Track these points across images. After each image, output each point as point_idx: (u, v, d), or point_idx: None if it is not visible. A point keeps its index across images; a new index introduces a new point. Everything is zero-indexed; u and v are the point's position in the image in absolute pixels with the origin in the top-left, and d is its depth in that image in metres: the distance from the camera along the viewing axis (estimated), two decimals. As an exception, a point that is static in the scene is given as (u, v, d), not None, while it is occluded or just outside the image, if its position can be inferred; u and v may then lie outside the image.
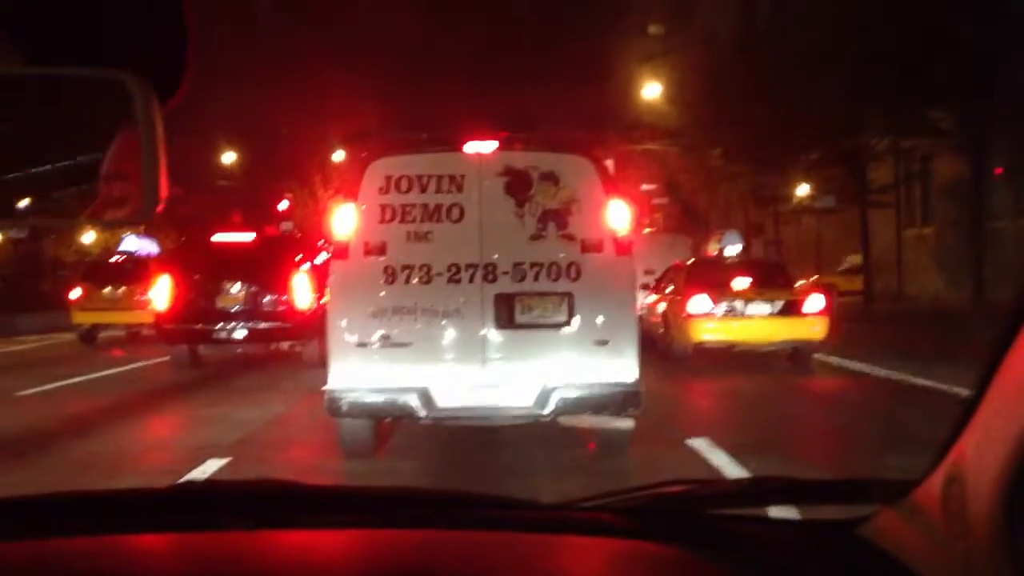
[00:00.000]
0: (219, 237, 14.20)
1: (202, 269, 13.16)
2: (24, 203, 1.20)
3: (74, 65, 1.10)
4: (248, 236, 14.29)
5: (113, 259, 21.84)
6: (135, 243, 23.00)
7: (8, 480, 6.30)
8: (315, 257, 13.57)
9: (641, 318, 8.22)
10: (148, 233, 24.69)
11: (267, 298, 13.06)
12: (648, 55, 35.10)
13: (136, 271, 19.52)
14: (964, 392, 1.18)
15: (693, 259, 16.42)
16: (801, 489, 1.59)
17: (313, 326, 12.05)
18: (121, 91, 1.10)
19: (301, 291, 13.04)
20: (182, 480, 5.82)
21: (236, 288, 13.07)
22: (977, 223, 20.95)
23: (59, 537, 1.34)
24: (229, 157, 46.66)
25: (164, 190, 1.12)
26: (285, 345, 13.36)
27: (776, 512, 1.72)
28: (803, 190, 27.75)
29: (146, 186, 1.10)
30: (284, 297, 13.02)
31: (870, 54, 19.24)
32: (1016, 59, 16.96)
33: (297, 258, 13.46)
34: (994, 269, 19.83)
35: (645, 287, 14.56)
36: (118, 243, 24.97)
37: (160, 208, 1.12)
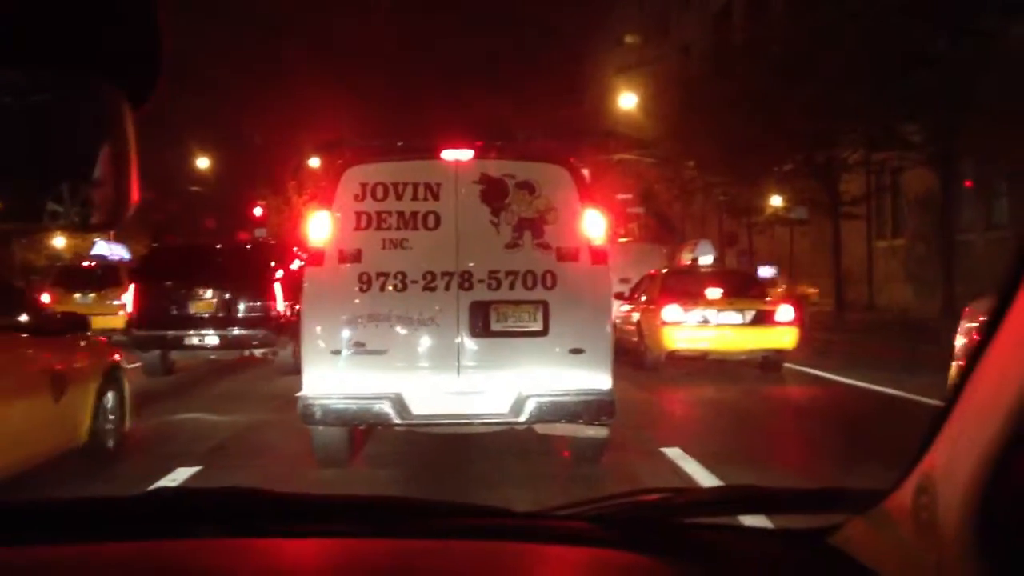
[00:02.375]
0: (192, 243, 14.19)
1: (174, 275, 13.06)
2: None
3: (41, 67, 1.09)
4: (221, 243, 14.27)
5: (84, 264, 21.64)
6: (106, 248, 22.78)
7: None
8: (289, 264, 13.52)
9: (615, 327, 8.25)
10: (119, 239, 24.48)
11: (240, 304, 12.99)
12: (624, 66, 35.32)
13: (107, 276, 19.36)
14: (933, 401, 1.20)
15: (667, 269, 16.54)
16: (773, 498, 1.60)
17: (287, 333, 12.00)
18: (91, 94, 1.09)
19: (275, 298, 12.97)
20: (151, 488, 5.75)
21: (209, 294, 12.98)
22: (947, 235, 21.23)
23: (27, 545, 1.32)
24: (203, 163, 46.35)
25: (135, 194, 1.11)
26: (259, 352, 13.28)
27: (748, 521, 1.73)
28: (776, 201, 27.98)
29: (117, 190, 1.09)
30: (258, 303, 12.96)
31: (843, 68, 19.47)
32: (985, 73, 17.24)
33: (271, 264, 13.41)
34: (964, 282, 20.09)
35: (620, 296, 14.63)
36: (89, 248, 24.73)
37: (130, 212, 1.12)
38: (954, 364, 5.98)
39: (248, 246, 14.86)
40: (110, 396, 7.14)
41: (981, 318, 6.24)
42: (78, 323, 7.15)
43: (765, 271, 21.88)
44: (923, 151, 20.96)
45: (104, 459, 6.96)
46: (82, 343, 7.22)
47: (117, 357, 7.53)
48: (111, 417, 7.15)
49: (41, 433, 6.11)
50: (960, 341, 5.99)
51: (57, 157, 1.11)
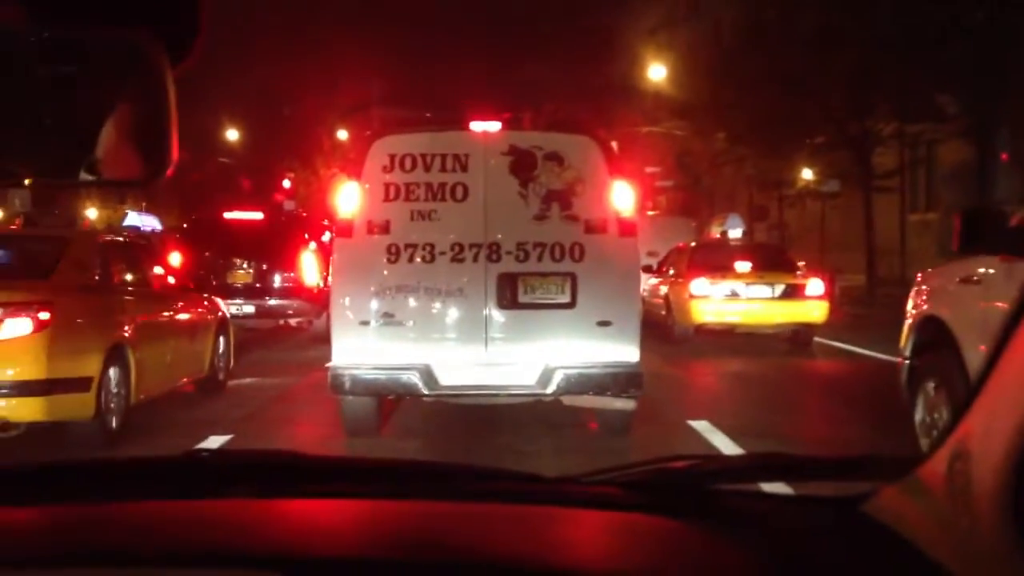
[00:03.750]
0: (229, 215, 14.47)
1: (211, 246, 13.26)
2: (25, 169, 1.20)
3: (81, 22, 1.09)
4: (257, 215, 14.55)
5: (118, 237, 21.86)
6: (138, 219, 23.02)
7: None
8: (321, 235, 13.71)
9: (643, 300, 8.24)
10: (149, 210, 24.69)
11: (276, 275, 13.28)
12: (656, 27, 34.86)
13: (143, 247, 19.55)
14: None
15: (695, 242, 16.43)
16: (804, 466, 1.60)
17: (321, 303, 12.18)
18: (132, 51, 1.09)
19: (309, 268, 13.21)
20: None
21: (245, 265, 13.23)
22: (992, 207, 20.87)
23: (70, 503, 1.35)
24: (232, 135, 46.54)
25: (174, 152, 1.12)
26: (293, 322, 13.50)
27: (778, 489, 1.73)
28: (807, 174, 27.65)
29: (157, 148, 1.10)
30: (292, 274, 13.22)
31: (879, 37, 19.13)
32: (1022, 44, 16.87)
33: (305, 236, 13.65)
34: (998, 256, 19.76)
35: (647, 269, 14.58)
36: (121, 220, 24.98)
37: (170, 172, 1.12)
38: (905, 324, 6.05)
39: (283, 218, 15.11)
40: (221, 341, 9.16)
41: (929, 283, 6.17)
42: (205, 284, 9.85)
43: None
44: (958, 123, 20.59)
45: (218, 387, 9.00)
46: (204, 301, 9.15)
47: (227, 312, 9.62)
48: (222, 356, 9.21)
49: (185, 365, 8.27)
50: (910, 304, 6.05)
51: (96, 113, 1.12)
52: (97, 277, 7.17)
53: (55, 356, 6.12)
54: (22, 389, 6.06)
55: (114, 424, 6.71)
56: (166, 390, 7.85)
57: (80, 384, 6.29)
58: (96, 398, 6.39)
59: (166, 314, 8.09)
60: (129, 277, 7.77)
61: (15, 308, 6.09)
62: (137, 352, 7.03)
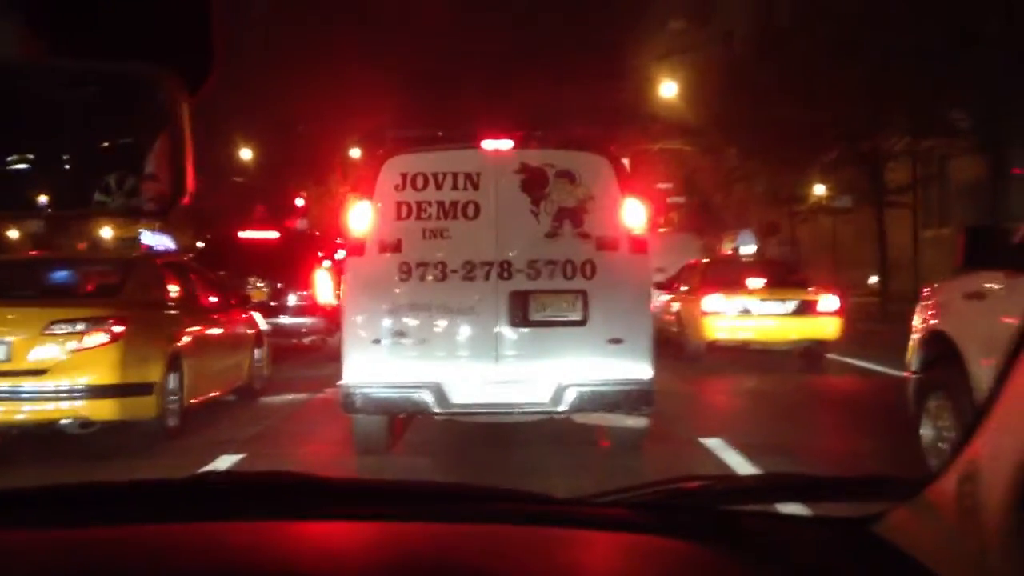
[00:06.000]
0: (244, 234, 14.62)
1: (227, 264, 13.36)
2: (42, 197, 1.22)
3: (100, 57, 1.11)
4: (272, 234, 14.70)
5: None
6: (152, 239, 23.14)
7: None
8: (335, 254, 13.82)
9: (655, 316, 8.24)
10: (163, 229, 24.82)
11: (291, 293, 13.37)
12: (667, 51, 34.98)
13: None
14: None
15: (707, 258, 16.41)
16: (816, 486, 1.60)
17: (335, 321, 12.26)
18: (148, 84, 1.11)
19: (323, 287, 13.30)
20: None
21: (260, 284, 13.33)
22: (996, 224, 20.76)
23: (81, 527, 1.36)
24: (246, 154, 46.79)
25: (190, 183, 1.13)
26: (307, 340, 13.57)
27: (789, 509, 1.72)
28: (820, 190, 27.60)
29: (172, 178, 1.12)
30: (306, 292, 13.33)
31: (892, 51, 19.11)
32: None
33: (319, 255, 13.78)
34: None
35: (657, 285, 14.57)
36: (133, 238, 25.10)
37: (187, 200, 1.14)
38: (912, 339, 6.04)
39: (297, 237, 15.27)
40: (257, 352, 10.04)
41: (935, 297, 6.15)
42: (245, 301, 10.36)
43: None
44: (971, 138, 20.53)
45: (254, 395, 9.75)
46: (244, 315, 10.00)
47: (263, 327, 10.44)
48: (259, 367, 10.08)
49: (228, 373, 9.13)
50: (917, 319, 6.04)
51: (113, 146, 1.14)
52: (157, 294, 8.06)
53: (126, 364, 7.02)
54: (99, 392, 6.91)
55: (171, 423, 7.53)
56: (212, 395, 8.67)
57: (145, 388, 7.18)
58: (157, 401, 7.25)
59: (213, 327, 8.88)
60: (182, 294, 8.51)
61: (94, 322, 6.95)
62: (190, 361, 7.92)
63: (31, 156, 1.16)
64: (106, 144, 1.19)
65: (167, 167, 1.12)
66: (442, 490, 1.67)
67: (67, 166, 1.17)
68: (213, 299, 9.21)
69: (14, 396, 6.82)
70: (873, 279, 27.63)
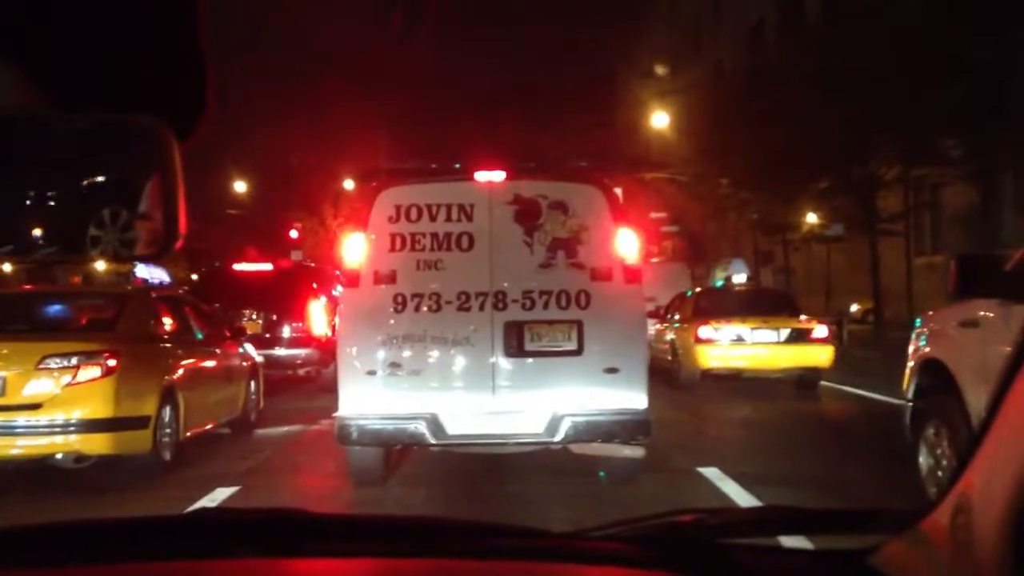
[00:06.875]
0: (238, 266, 14.62)
1: (222, 297, 13.33)
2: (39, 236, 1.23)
3: (94, 106, 1.13)
4: (265, 266, 14.70)
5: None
6: (146, 272, 23.09)
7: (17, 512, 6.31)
8: (330, 285, 13.80)
9: (649, 345, 8.25)
10: (158, 263, 24.78)
11: (285, 325, 13.35)
12: (656, 92, 35.27)
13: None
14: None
15: (699, 288, 16.44)
16: (811, 519, 1.60)
17: (330, 352, 12.24)
18: (140, 130, 1.12)
19: (317, 318, 13.28)
20: (192, 508, 5.82)
21: (255, 316, 13.31)
22: (987, 252, 20.84)
23: (74, 566, 1.35)
24: (240, 186, 46.88)
25: (183, 226, 1.14)
26: (302, 371, 13.53)
27: (787, 541, 1.72)
28: (812, 219, 27.72)
29: (165, 222, 1.13)
30: (301, 324, 13.31)
31: (879, 79, 19.28)
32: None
33: (313, 287, 13.77)
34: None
35: (649, 315, 14.59)
36: (128, 271, 25.03)
37: (178, 244, 1.15)
38: (908, 366, 6.06)
39: (291, 270, 15.26)
40: (252, 384, 10.10)
41: (930, 325, 6.18)
42: (239, 333, 10.33)
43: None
44: (963, 166, 20.67)
45: (248, 427, 9.80)
46: (239, 348, 10.04)
47: (257, 359, 10.55)
48: (253, 399, 10.13)
49: (223, 406, 9.14)
50: (912, 347, 6.07)
51: (106, 192, 1.15)
52: (151, 327, 8.06)
53: (120, 398, 6.98)
54: (94, 426, 6.88)
55: (166, 456, 7.49)
56: (207, 428, 8.67)
57: (140, 422, 7.16)
58: (152, 434, 7.23)
59: (208, 361, 8.92)
60: (176, 327, 8.52)
61: (89, 356, 6.93)
62: (185, 394, 7.89)
63: (29, 194, 1.17)
64: (101, 179, 1.20)
65: (160, 209, 1.13)
66: (439, 526, 1.66)
67: (61, 202, 1.18)
68: (207, 332, 9.23)
69: (9, 431, 6.78)
70: (854, 307, 27.70)
